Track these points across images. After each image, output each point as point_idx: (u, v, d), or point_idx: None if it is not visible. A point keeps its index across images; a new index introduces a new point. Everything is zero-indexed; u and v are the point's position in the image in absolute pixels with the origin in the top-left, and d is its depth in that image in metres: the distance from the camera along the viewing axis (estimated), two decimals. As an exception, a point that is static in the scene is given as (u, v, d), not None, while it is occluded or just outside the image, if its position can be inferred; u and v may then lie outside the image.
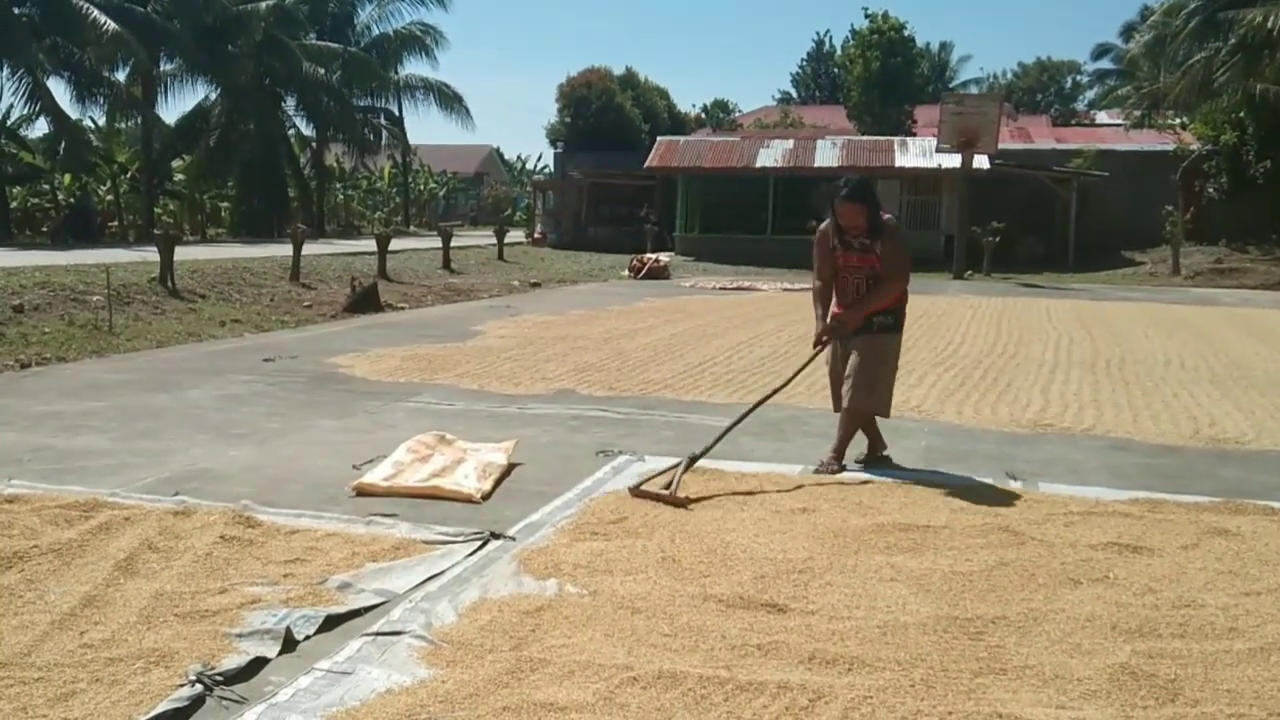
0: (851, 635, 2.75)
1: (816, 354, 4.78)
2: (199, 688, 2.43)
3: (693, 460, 4.36)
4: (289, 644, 2.72)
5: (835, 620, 2.86)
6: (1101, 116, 35.98)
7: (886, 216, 4.55)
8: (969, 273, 19.43)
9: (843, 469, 4.58)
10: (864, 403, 4.52)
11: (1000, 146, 22.17)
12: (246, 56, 26.69)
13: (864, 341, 4.53)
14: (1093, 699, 2.41)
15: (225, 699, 2.42)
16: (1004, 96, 31.37)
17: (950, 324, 11.15)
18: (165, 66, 26.89)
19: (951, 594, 3.06)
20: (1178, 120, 25.53)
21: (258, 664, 2.61)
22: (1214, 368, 8.13)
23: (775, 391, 4.92)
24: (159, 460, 4.67)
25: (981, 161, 20.91)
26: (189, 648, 2.63)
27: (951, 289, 16.84)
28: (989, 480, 4.45)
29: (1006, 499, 4.12)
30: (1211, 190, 23.06)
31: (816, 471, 4.54)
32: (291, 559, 3.33)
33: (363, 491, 4.14)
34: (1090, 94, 44.99)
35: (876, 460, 4.73)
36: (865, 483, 4.36)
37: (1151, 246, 22.47)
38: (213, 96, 28.06)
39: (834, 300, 4.66)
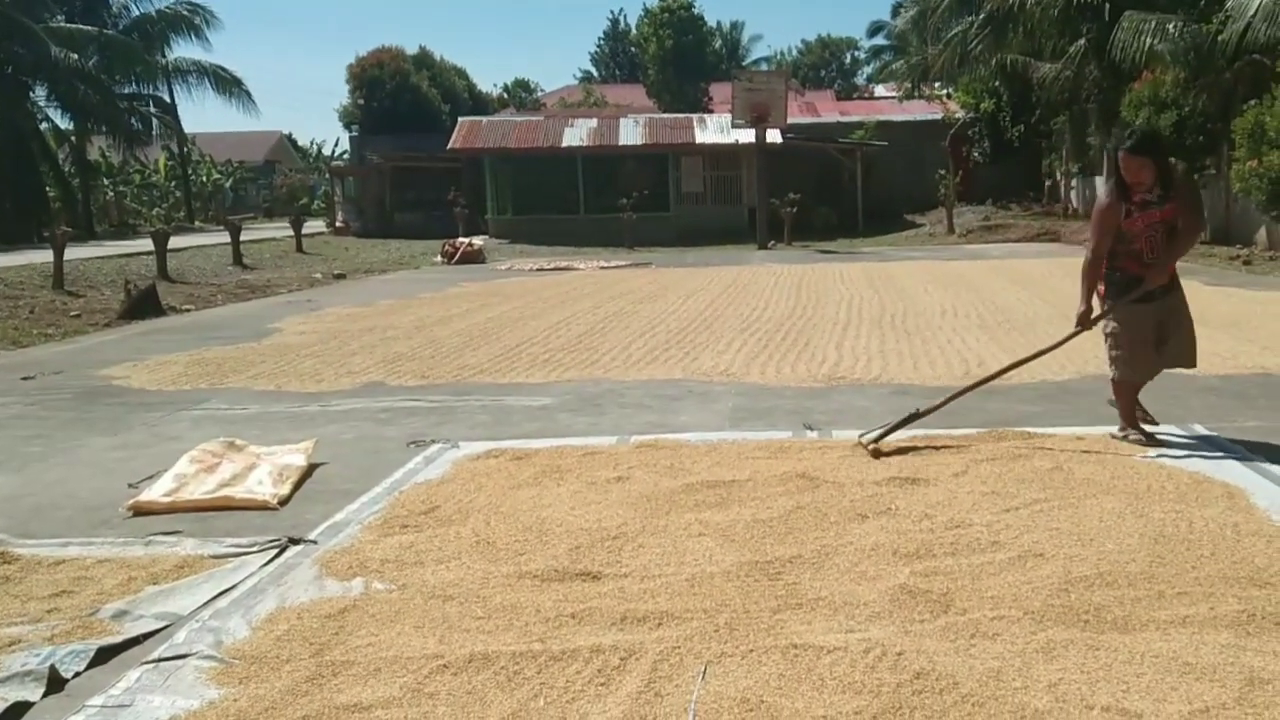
0: (662, 592, 2.84)
1: (1077, 333, 4.42)
2: (-57, 748, 2.15)
3: (914, 417, 4.40)
4: (56, 684, 2.49)
5: (647, 580, 2.94)
6: (879, 90, 38.39)
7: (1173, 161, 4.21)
8: (772, 243, 20.43)
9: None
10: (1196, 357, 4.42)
11: (790, 121, 23.25)
12: (-20, 42, 23.33)
13: (1179, 297, 4.34)
14: (877, 620, 2.62)
15: (-24, 755, 2.15)
16: (790, 73, 33.06)
17: (755, 292, 11.69)
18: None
19: (754, 541, 3.22)
20: (944, 91, 27.71)
21: (18, 710, 2.37)
22: (982, 315, 8.97)
23: (1016, 365, 4.83)
24: (-115, 503, 4.04)
25: (774, 135, 21.83)
26: (-72, 707, 2.31)
27: (756, 259, 17.66)
28: (789, 433, 4.72)
29: (804, 448, 4.39)
30: (977, 154, 25.41)
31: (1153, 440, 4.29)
32: (56, 592, 3.04)
33: (140, 510, 3.85)
34: (868, 69, 47.98)
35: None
36: (677, 447, 4.48)
37: (930, 209, 24.42)
38: (-58, 88, 24.41)
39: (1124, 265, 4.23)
